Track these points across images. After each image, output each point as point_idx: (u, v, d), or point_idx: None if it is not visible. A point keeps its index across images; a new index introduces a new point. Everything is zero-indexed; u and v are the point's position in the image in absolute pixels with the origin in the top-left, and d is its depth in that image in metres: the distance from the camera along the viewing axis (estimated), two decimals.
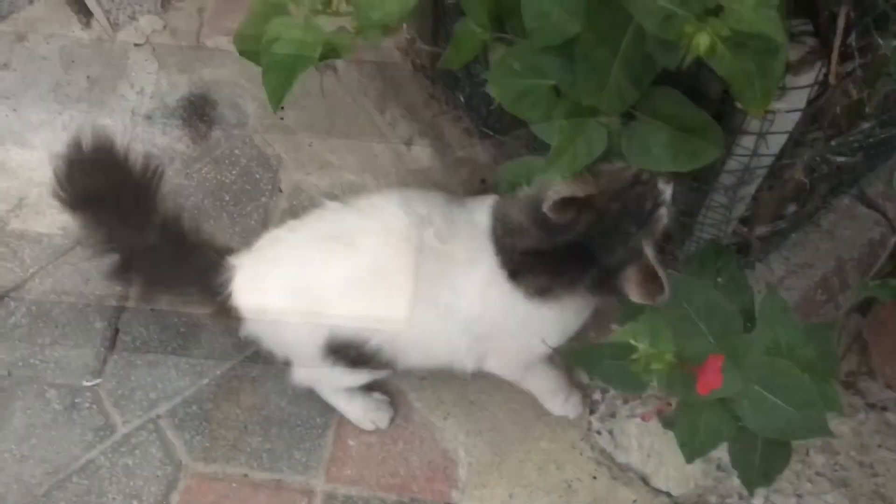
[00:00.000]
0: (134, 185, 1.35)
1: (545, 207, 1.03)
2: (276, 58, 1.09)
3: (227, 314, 1.33)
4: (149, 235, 1.33)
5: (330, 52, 1.12)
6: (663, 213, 1.06)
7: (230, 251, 1.35)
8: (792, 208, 1.37)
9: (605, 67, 0.82)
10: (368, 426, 1.53)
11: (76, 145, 1.36)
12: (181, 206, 1.55)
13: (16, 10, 2.01)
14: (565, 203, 1.02)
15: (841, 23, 0.85)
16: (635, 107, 0.89)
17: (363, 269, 1.23)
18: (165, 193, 1.40)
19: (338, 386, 1.47)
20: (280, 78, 1.09)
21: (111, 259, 1.37)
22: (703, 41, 0.68)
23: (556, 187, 1.01)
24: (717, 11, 0.69)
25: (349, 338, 1.25)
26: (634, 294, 1.04)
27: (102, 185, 1.34)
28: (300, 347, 1.34)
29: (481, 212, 1.20)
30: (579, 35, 0.86)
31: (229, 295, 1.31)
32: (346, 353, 1.27)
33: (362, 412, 1.52)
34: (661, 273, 1.01)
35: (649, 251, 1.03)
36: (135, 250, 1.35)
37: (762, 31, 0.65)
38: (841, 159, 1.24)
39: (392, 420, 1.54)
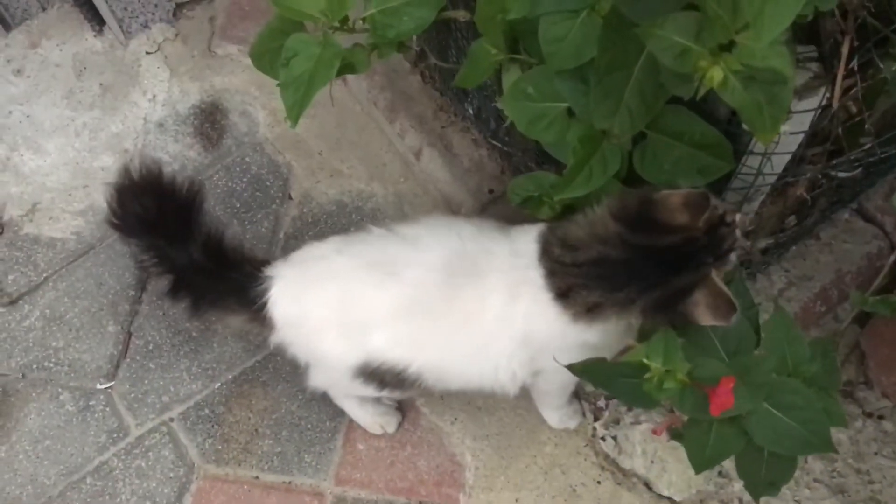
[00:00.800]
0: (178, 208, 1.41)
1: (663, 198, 1.02)
2: (294, 74, 1.11)
3: (261, 322, 1.37)
4: (193, 253, 1.39)
5: (346, 68, 1.16)
6: (733, 257, 1.08)
7: (266, 262, 1.39)
8: (793, 221, 1.41)
9: (617, 93, 0.85)
10: (377, 430, 1.56)
11: (125, 173, 1.42)
12: (222, 223, 1.61)
13: (29, 18, 2.03)
14: (685, 208, 1.02)
15: (845, 50, 0.88)
16: (647, 125, 0.92)
17: (405, 301, 1.25)
18: (206, 211, 1.47)
19: (352, 394, 1.50)
20: (298, 94, 1.12)
21: (166, 279, 1.42)
22: (716, 75, 0.72)
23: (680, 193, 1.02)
24: (730, 47, 0.72)
25: (388, 364, 1.28)
26: (705, 317, 1.03)
27: (150, 210, 1.40)
28: (332, 365, 1.36)
29: (526, 240, 1.19)
30: (594, 60, 0.89)
31: (264, 304, 1.34)
32: (382, 377, 1.30)
33: (371, 416, 1.55)
34: (730, 294, 1.02)
35: (718, 277, 1.04)
36: (182, 268, 1.40)
37: (773, 66, 0.69)
38: (842, 175, 1.28)
39: (400, 424, 1.57)
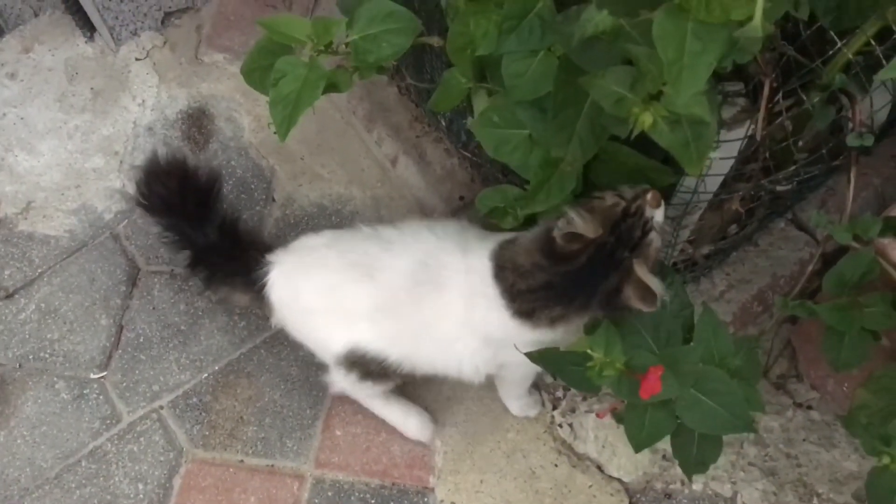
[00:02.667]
0: (198, 192, 1.57)
1: (556, 234, 1.17)
2: (282, 93, 1.22)
3: (262, 303, 1.52)
4: (210, 234, 1.56)
5: (330, 87, 1.27)
6: (653, 237, 1.19)
7: (269, 249, 1.54)
8: (733, 230, 1.55)
9: (570, 125, 0.99)
10: (412, 433, 1.65)
11: (153, 158, 1.59)
12: (238, 210, 1.76)
13: (22, 23, 2.12)
14: (574, 236, 1.16)
15: (765, 91, 1.02)
16: (598, 154, 1.06)
17: (379, 301, 1.39)
18: (223, 197, 1.64)
19: (370, 392, 1.59)
20: (287, 111, 1.21)
21: (186, 255, 1.60)
22: (647, 119, 0.86)
23: (568, 218, 1.16)
24: (658, 96, 0.86)
25: (370, 354, 1.42)
26: (638, 306, 1.17)
27: (173, 193, 1.56)
28: (321, 349, 1.52)
29: (480, 256, 1.31)
30: (550, 95, 1.02)
31: (264, 287, 1.50)
32: (367, 366, 1.44)
33: (402, 417, 1.65)
34: (652, 285, 1.15)
35: (640, 269, 1.17)
36: (199, 246, 1.57)
37: (694, 113, 0.83)
38: (777, 189, 1.42)
39: (433, 433, 1.66)
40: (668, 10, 0.77)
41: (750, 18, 0.76)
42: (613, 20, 0.88)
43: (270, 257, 1.51)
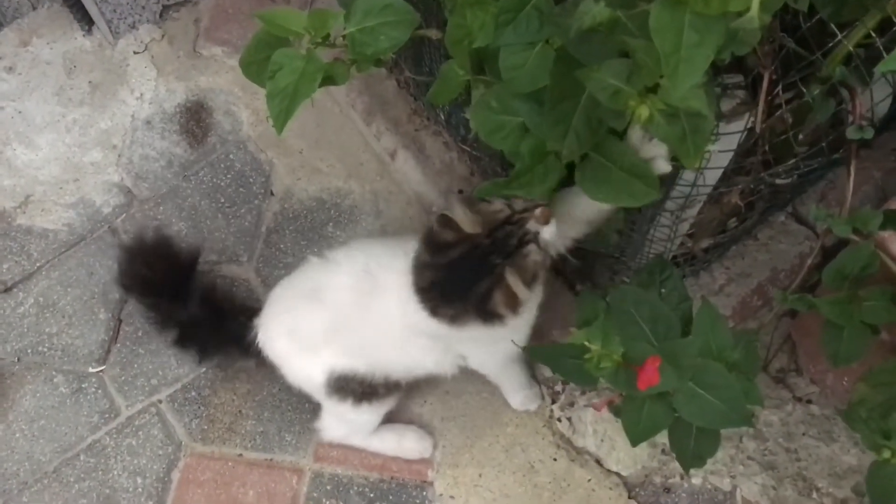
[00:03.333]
0: (180, 271, 1.61)
1: (433, 220, 1.24)
2: (279, 86, 1.21)
3: (267, 365, 1.57)
4: (191, 308, 1.59)
5: (327, 80, 1.26)
6: (531, 249, 1.23)
7: (256, 313, 1.57)
8: (733, 223, 1.54)
9: (567, 119, 0.98)
10: (414, 456, 1.65)
11: (141, 239, 1.64)
12: (215, 282, 1.78)
13: (20, 17, 2.12)
14: (447, 220, 1.22)
15: (765, 84, 1.01)
16: (592, 148, 1.05)
17: (331, 320, 1.43)
18: (202, 270, 1.70)
19: (365, 430, 1.62)
20: (284, 104, 1.21)
21: (172, 333, 1.64)
22: (643, 112, 0.85)
23: (450, 204, 1.23)
24: (655, 88, 0.85)
25: (344, 373, 1.46)
26: (502, 311, 1.22)
27: (157, 274, 1.60)
28: (313, 390, 1.55)
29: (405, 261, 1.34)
30: (547, 87, 1.02)
31: (260, 351, 1.55)
32: (352, 389, 1.47)
33: (398, 444, 1.65)
34: (520, 293, 1.21)
35: (511, 276, 1.20)
36: (183, 323, 1.61)
37: (691, 106, 0.82)
38: (777, 182, 1.41)
39: (434, 446, 1.66)
40: (665, 1, 0.77)
41: (748, 9, 0.75)
42: (611, 12, 0.87)
43: (256, 321, 1.55)
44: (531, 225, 1.23)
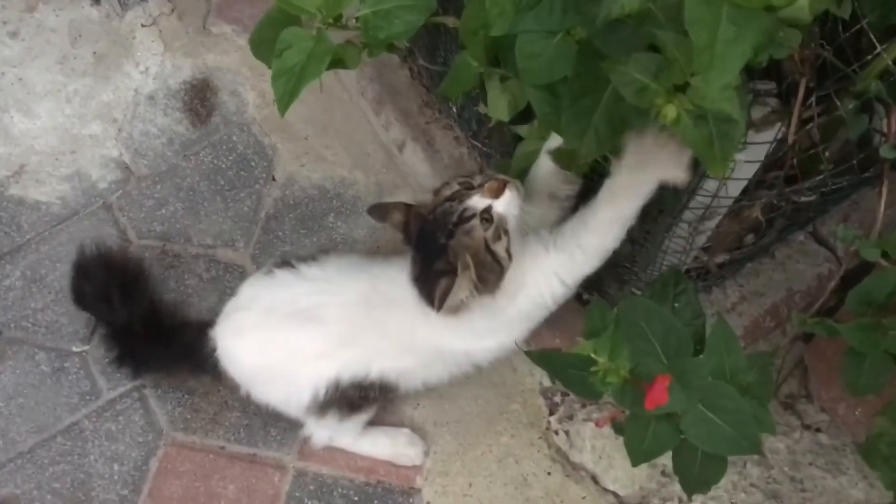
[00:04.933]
0: (119, 285, 1.58)
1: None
2: (286, 65, 1.16)
3: (223, 380, 1.51)
4: (135, 325, 1.55)
5: (336, 63, 1.20)
6: (473, 225, 1.20)
7: (210, 324, 1.50)
8: (750, 239, 1.48)
9: (587, 115, 0.91)
10: (405, 461, 1.58)
11: (80, 252, 1.62)
12: (160, 296, 1.71)
13: None
14: (378, 207, 1.30)
15: (800, 93, 0.95)
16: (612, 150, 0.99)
17: (337, 334, 1.39)
18: (148, 285, 1.67)
19: (352, 432, 1.55)
20: (289, 85, 1.16)
21: (113, 351, 1.60)
22: (670, 112, 0.78)
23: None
24: (684, 87, 0.79)
25: (346, 381, 1.40)
26: (435, 300, 1.20)
27: (100, 287, 1.58)
28: (290, 405, 1.48)
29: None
30: (567, 80, 0.95)
31: (216, 364, 1.48)
32: (347, 397, 1.42)
33: (391, 448, 1.59)
34: (463, 281, 1.19)
35: (463, 263, 1.19)
36: (125, 341, 1.58)
37: (722, 109, 0.75)
38: (799, 200, 1.35)
39: (426, 453, 1.60)
40: None
41: (791, 2, 0.69)
42: (641, 1, 0.81)
43: (212, 332, 1.49)
44: (475, 200, 1.21)
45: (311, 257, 1.48)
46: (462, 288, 1.21)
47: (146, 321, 1.56)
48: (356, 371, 1.39)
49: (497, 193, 1.20)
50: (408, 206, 1.30)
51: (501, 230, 1.22)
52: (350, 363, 1.39)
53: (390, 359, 1.40)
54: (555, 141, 1.22)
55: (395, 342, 1.38)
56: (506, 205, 1.21)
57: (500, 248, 1.22)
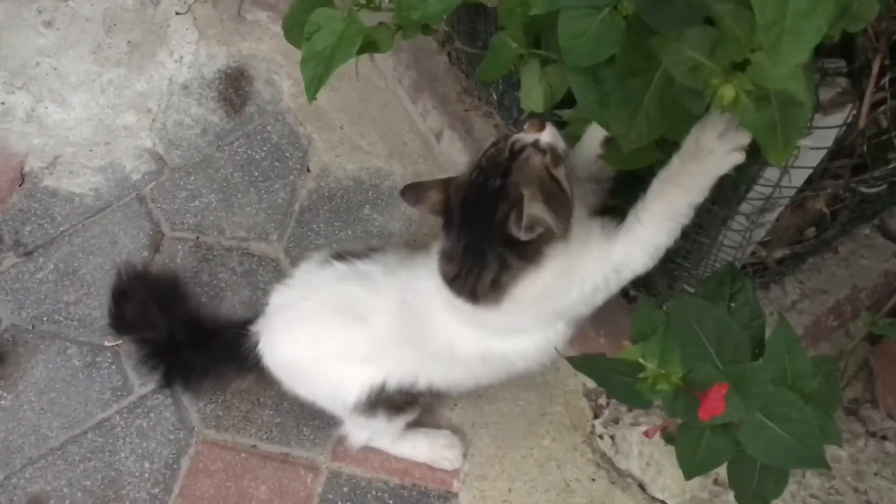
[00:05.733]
0: (158, 299, 1.54)
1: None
2: (315, 48, 1.10)
3: (264, 378, 1.46)
4: (177, 335, 1.51)
5: (369, 46, 1.14)
6: (530, 153, 1.09)
7: (251, 321, 1.46)
8: (812, 233, 1.38)
9: (637, 97, 0.83)
10: (444, 465, 1.52)
11: (118, 277, 1.59)
12: (198, 301, 1.68)
13: None
14: (413, 187, 1.17)
15: (875, 70, 0.86)
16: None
17: (381, 340, 1.32)
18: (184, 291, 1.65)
19: (394, 434, 1.49)
20: (318, 69, 1.10)
21: (158, 371, 1.55)
22: (727, 93, 0.70)
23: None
24: (743, 65, 0.70)
25: (391, 388, 1.33)
26: (516, 230, 1.06)
27: (136, 308, 1.54)
28: (335, 403, 1.42)
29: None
30: (614, 60, 0.87)
31: (259, 362, 1.42)
32: (392, 401, 1.35)
33: (429, 451, 1.52)
34: (535, 208, 1.05)
35: (527, 192, 1.05)
36: (169, 353, 1.53)
37: (787, 89, 0.67)
38: (866, 190, 1.25)
39: (465, 456, 1.53)
40: None
41: None
42: None
43: (253, 328, 1.44)
44: (521, 136, 1.11)
45: (365, 252, 1.40)
46: (536, 204, 1.06)
47: (188, 328, 1.52)
48: (403, 379, 1.32)
49: (540, 128, 1.10)
50: (446, 182, 1.18)
51: (557, 156, 1.11)
52: (396, 371, 1.32)
53: (436, 370, 1.33)
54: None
55: (437, 352, 1.29)
56: (551, 136, 1.10)
57: (561, 175, 1.11)
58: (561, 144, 1.11)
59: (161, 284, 1.60)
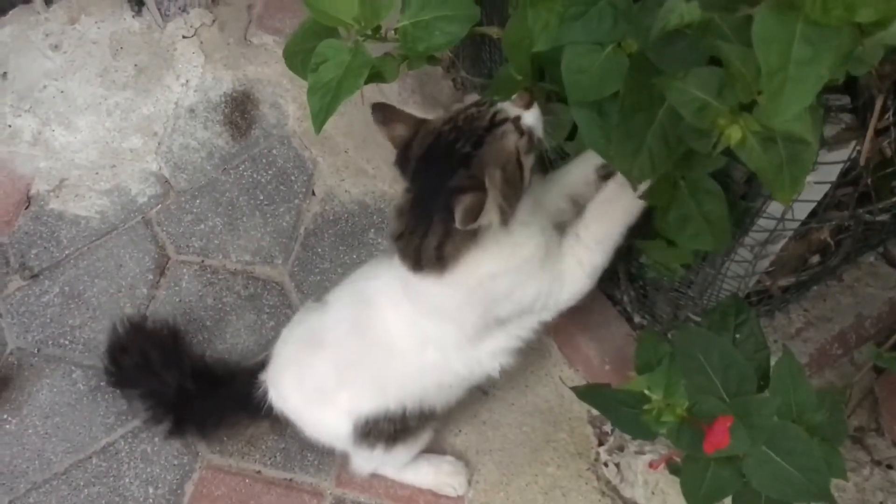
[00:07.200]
0: (161, 350, 1.51)
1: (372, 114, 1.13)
2: (322, 80, 1.11)
3: (283, 424, 1.44)
4: (185, 384, 1.47)
5: (375, 76, 1.15)
6: (507, 129, 1.05)
7: (260, 368, 1.44)
8: (815, 260, 1.38)
9: (641, 134, 0.84)
10: (449, 491, 1.51)
11: (113, 331, 1.55)
12: (203, 349, 1.67)
13: None
14: (384, 107, 1.13)
15: (877, 109, 0.86)
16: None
17: (340, 361, 1.30)
18: (188, 337, 1.64)
19: (398, 464, 1.48)
20: (325, 100, 1.11)
21: (167, 422, 1.52)
22: (734, 134, 0.70)
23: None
24: (750, 106, 0.71)
25: (382, 414, 1.30)
26: (458, 218, 1.00)
27: (137, 361, 1.51)
28: (337, 441, 1.41)
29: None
30: (617, 97, 0.88)
31: (272, 409, 1.41)
32: (383, 429, 1.32)
33: (434, 477, 1.51)
34: (491, 199, 1.01)
35: (490, 176, 1.03)
36: (178, 403, 1.49)
37: (794, 131, 0.67)
38: (870, 219, 1.25)
39: (469, 482, 1.52)
40: (773, 5, 0.62)
41: (880, 22, 0.60)
42: (703, 12, 0.73)
43: (262, 377, 1.43)
44: (506, 106, 1.06)
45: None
46: (492, 207, 1.03)
47: (195, 377, 1.49)
48: (375, 404, 1.30)
49: (528, 105, 1.06)
50: (417, 122, 1.12)
51: (531, 142, 1.07)
52: (362, 394, 1.30)
53: (396, 382, 1.29)
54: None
55: (385, 352, 1.26)
56: (535, 118, 1.06)
57: (527, 163, 1.07)
58: (539, 131, 1.08)
59: (161, 334, 1.56)
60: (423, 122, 1.12)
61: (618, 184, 1.08)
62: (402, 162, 1.12)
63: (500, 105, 1.07)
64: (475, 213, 1.01)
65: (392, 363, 1.26)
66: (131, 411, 1.62)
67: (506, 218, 1.07)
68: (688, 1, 0.73)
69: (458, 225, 1.01)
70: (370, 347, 1.26)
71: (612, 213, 1.13)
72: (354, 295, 1.30)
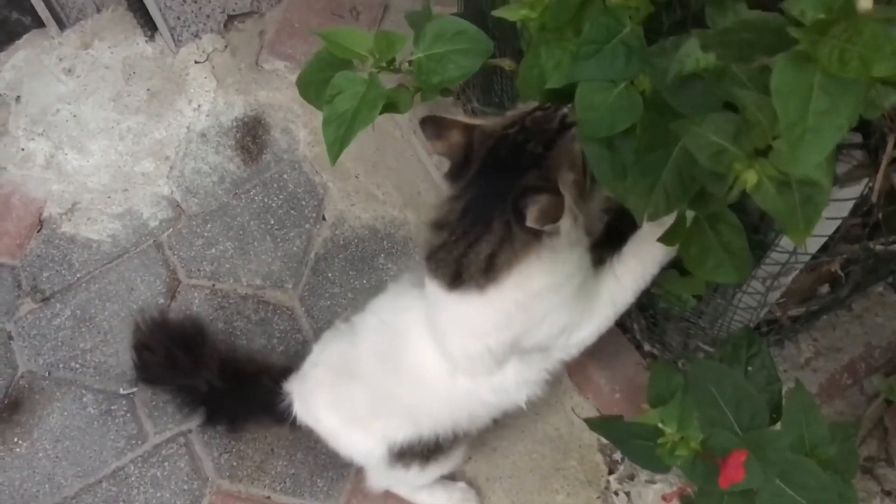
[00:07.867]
0: (187, 346, 1.51)
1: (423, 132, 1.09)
2: (337, 111, 1.11)
3: (302, 429, 1.43)
4: (213, 381, 1.47)
5: (388, 108, 1.16)
6: (575, 133, 1.01)
7: (284, 376, 1.43)
8: (825, 290, 1.38)
9: (655, 172, 0.85)
10: None
11: (136, 327, 1.56)
12: (233, 344, 1.68)
13: (83, 18, 2.06)
14: (435, 120, 1.09)
15: (889, 148, 0.87)
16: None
17: (374, 391, 1.29)
18: (215, 336, 1.65)
19: (415, 485, 1.48)
20: (340, 131, 1.11)
21: (200, 413, 1.54)
22: (750, 178, 0.71)
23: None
24: (766, 151, 0.71)
25: (405, 443, 1.29)
26: (532, 217, 0.97)
27: (164, 357, 1.51)
28: (370, 462, 1.40)
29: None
30: (628, 133, 0.89)
31: (296, 418, 1.41)
32: (418, 451, 1.31)
33: (446, 502, 1.51)
34: (567, 200, 0.97)
35: (564, 177, 0.99)
36: (208, 397, 1.50)
37: (810, 175, 0.68)
38: (881, 249, 1.26)
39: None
40: (791, 58, 0.63)
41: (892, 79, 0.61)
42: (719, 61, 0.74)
43: (287, 387, 1.42)
44: (571, 111, 0.99)
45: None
46: (568, 214, 0.98)
47: (225, 373, 1.48)
48: (408, 433, 1.29)
49: None
50: (469, 127, 1.08)
51: None
52: (396, 424, 1.30)
53: (428, 413, 1.27)
54: None
55: (418, 388, 1.24)
56: None
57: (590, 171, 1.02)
58: None
59: (184, 330, 1.56)
60: (475, 126, 1.08)
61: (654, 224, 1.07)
62: (462, 168, 1.07)
63: (566, 109, 1.03)
64: (552, 215, 0.97)
65: (423, 396, 1.25)
66: (140, 436, 1.62)
67: (577, 224, 1.04)
68: (705, 52, 0.74)
69: (531, 224, 0.97)
70: (402, 380, 1.25)
71: (649, 251, 1.12)
72: (383, 325, 1.27)
